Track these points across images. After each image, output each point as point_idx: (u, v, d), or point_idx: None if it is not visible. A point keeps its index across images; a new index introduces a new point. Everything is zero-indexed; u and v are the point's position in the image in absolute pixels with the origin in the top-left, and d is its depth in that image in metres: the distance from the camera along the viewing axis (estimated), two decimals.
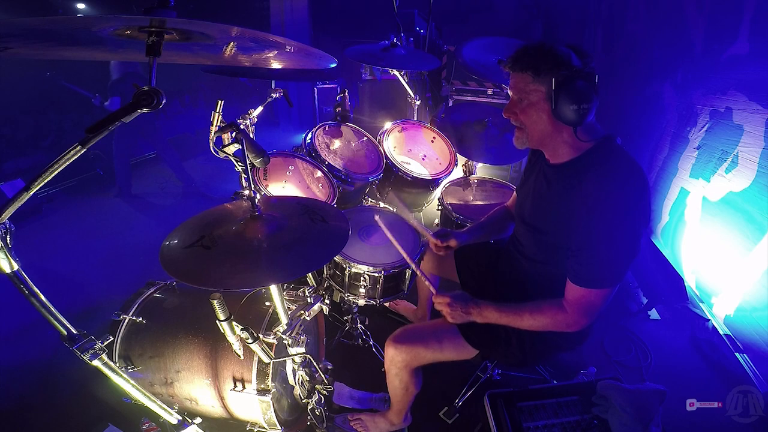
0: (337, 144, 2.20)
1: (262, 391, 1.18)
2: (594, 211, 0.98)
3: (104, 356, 0.89)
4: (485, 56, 2.18)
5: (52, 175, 0.72)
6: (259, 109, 1.78)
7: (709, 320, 2.01)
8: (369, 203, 2.35)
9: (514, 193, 1.44)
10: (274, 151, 1.91)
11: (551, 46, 1.01)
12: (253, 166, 1.22)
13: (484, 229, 1.48)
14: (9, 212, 0.71)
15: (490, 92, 3.58)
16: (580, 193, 1.01)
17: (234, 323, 0.96)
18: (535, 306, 1.11)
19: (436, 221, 2.48)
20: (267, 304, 1.32)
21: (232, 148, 1.15)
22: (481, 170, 2.56)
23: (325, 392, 1.38)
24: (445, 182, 2.28)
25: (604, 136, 1.06)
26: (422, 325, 1.39)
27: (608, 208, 0.97)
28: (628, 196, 0.97)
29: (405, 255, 1.31)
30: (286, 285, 1.65)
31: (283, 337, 1.14)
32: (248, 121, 1.72)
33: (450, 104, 3.73)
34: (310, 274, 1.83)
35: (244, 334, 1.01)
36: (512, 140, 1.15)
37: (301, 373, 1.28)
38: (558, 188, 1.10)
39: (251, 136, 1.72)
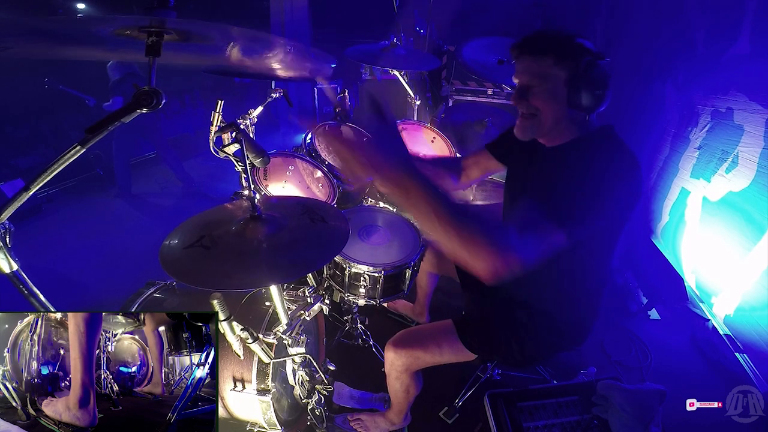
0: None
1: (262, 391, 1.18)
2: (577, 168, 0.93)
3: None
4: (485, 56, 2.18)
5: (52, 175, 0.72)
6: (259, 109, 1.78)
7: (709, 320, 2.01)
8: (369, 203, 2.35)
9: (486, 150, 1.35)
10: (274, 151, 1.90)
11: (568, 33, 0.96)
12: (253, 166, 1.22)
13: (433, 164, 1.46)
14: (9, 212, 0.71)
15: (490, 92, 3.58)
16: (571, 166, 0.96)
17: (234, 323, 0.96)
18: (481, 225, 0.78)
19: None
20: (267, 304, 1.32)
21: (231, 148, 1.15)
22: None
23: (325, 392, 1.38)
24: None
25: (604, 125, 1.03)
26: (421, 328, 1.38)
27: (590, 165, 0.92)
28: (612, 163, 0.93)
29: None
30: (286, 285, 1.65)
31: (283, 337, 1.14)
32: (248, 121, 1.72)
33: (450, 104, 3.72)
34: (310, 274, 1.83)
35: (244, 334, 1.01)
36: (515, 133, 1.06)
37: (301, 373, 1.28)
38: (553, 168, 1.04)
39: (251, 136, 1.72)
